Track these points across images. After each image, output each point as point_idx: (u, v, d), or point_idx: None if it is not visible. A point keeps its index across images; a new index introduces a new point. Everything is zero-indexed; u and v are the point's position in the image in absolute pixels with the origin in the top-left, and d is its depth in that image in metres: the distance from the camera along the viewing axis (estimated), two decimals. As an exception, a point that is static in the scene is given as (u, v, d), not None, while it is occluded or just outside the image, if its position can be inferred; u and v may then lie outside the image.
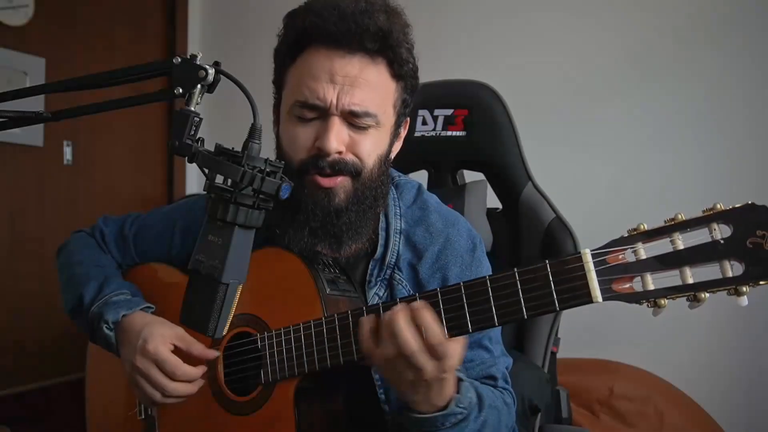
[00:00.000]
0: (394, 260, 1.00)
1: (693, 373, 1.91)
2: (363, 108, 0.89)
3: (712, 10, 1.93)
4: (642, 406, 1.79)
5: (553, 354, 1.34)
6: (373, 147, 0.93)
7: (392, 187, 1.05)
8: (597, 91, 2.07)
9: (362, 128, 0.91)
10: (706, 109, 1.94)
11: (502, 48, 2.21)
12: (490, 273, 1.02)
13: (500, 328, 1.00)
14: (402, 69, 0.92)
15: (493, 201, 1.44)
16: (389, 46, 0.89)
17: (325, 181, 0.91)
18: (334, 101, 0.88)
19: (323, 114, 0.90)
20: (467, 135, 1.41)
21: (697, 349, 1.89)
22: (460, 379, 0.84)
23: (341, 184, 0.92)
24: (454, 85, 1.45)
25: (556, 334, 1.37)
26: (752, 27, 1.89)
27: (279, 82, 0.98)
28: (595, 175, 2.07)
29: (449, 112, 1.42)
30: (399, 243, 1.01)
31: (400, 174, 1.12)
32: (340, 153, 0.90)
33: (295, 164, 0.92)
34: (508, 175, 1.39)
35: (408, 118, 1.02)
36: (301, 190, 0.91)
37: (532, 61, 2.15)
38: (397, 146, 1.03)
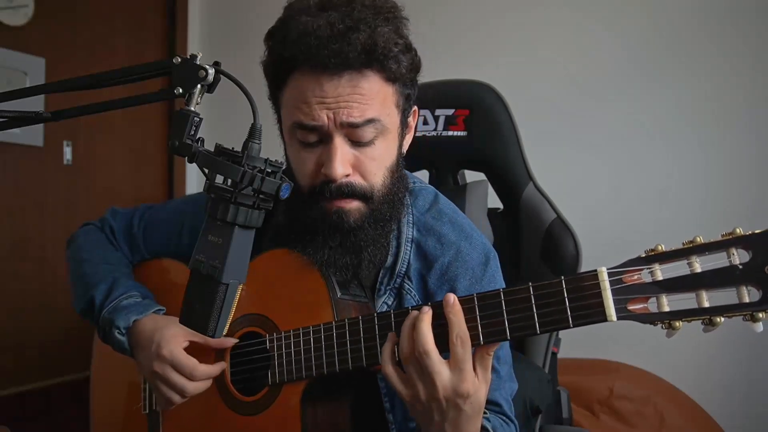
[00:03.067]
0: (404, 269, 0.98)
1: (693, 373, 1.91)
2: (363, 118, 0.86)
3: (713, 9, 1.93)
4: (642, 406, 1.79)
5: (554, 354, 1.35)
6: (380, 163, 0.91)
7: (406, 194, 1.03)
8: (598, 91, 2.07)
9: (366, 143, 0.88)
10: (708, 109, 1.94)
11: (504, 47, 2.21)
12: None
13: (509, 349, 1.00)
14: (395, 72, 0.88)
15: (494, 201, 1.44)
16: (376, 59, 0.85)
17: (337, 203, 0.90)
18: (332, 117, 0.85)
19: (324, 136, 0.88)
20: (468, 135, 1.41)
21: (697, 350, 1.89)
22: (485, 428, 0.83)
23: (354, 207, 0.90)
24: (455, 85, 1.45)
25: (557, 335, 1.37)
26: (754, 27, 1.89)
27: (275, 101, 0.96)
28: (596, 175, 2.07)
29: (450, 112, 1.42)
30: (410, 252, 0.99)
31: (416, 180, 1.09)
32: (347, 176, 0.88)
33: (305, 188, 0.91)
34: (510, 175, 1.39)
35: (415, 107, 0.99)
36: (314, 213, 0.91)
37: (534, 61, 2.15)
38: (409, 139, 1.00)
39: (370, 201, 0.91)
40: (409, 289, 0.98)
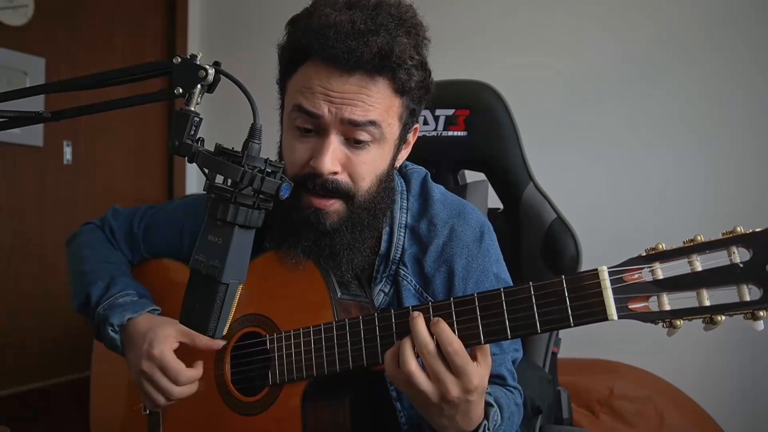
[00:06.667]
0: (398, 255, 0.98)
1: (693, 373, 1.91)
2: (365, 118, 0.86)
3: (710, 11, 1.93)
4: (642, 406, 1.79)
5: (554, 354, 1.34)
6: (370, 168, 0.90)
7: (400, 178, 1.04)
8: (596, 92, 2.07)
9: (360, 145, 0.88)
10: (706, 109, 1.95)
11: (502, 50, 2.21)
12: (500, 262, 1.02)
13: None
14: (405, 85, 0.88)
15: (495, 201, 1.44)
16: (389, 66, 0.85)
17: (317, 202, 0.89)
18: (334, 112, 0.85)
19: (321, 130, 0.87)
20: (468, 135, 1.40)
21: (697, 350, 1.89)
22: (488, 404, 0.83)
23: (334, 208, 0.90)
24: (456, 85, 1.45)
25: (557, 335, 1.36)
26: (751, 27, 1.89)
27: (282, 87, 0.96)
28: (596, 175, 2.07)
29: (450, 111, 1.41)
30: (404, 237, 0.99)
31: (407, 163, 1.09)
32: (335, 173, 0.88)
33: (289, 177, 0.90)
34: (510, 175, 1.39)
35: (417, 125, 0.99)
36: (291, 207, 0.90)
37: (533, 62, 2.15)
38: (405, 153, 1.00)
39: (351, 203, 0.91)
40: (405, 275, 0.97)
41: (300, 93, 0.87)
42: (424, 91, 0.93)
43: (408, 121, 0.95)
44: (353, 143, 0.88)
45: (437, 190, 1.04)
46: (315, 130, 0.88)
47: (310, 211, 0.90)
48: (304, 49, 0.87)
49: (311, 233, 0.91)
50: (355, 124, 0.86)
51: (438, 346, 0.77)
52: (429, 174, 1.07)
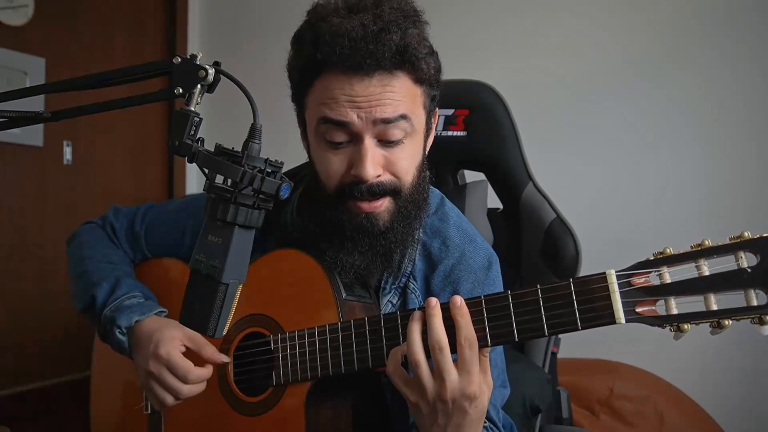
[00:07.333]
0: (409, 269, 0.99)
1: (693, 373, 1.91)
2: (396, 114, 0.86)
3: (710, 11, 1.93)
4: (642, 406, 1.79)
5: (554, 354, 1.34)
6: (410, 162, 0.91)
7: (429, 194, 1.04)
8: (596, 92, 2.07)
9: (396, 142, 0.88)
10: (706, 110, 1.95)
11: (503, 48, 2.21)
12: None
13: (502, 353, 1.00)
14: (423, 75, 0.89)
15: (494, 201, 1.44)
16: (407, 60, 0.86)
17: (366, 206, 0.89)
18: (363, 117, 0.85)
19: (354, 137, 0.87)
20: (468, 135, 1.40)
21: (697, 350, 1.89)
22: None
23: (384, 206, 0.90)
24: (455, 85, 1.44)
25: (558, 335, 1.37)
26: (751, 27, 1.89)
27: (299, 103, 0.95)
28: (595, 175, 2.07)
29: (450, 112, 1.41)
30: (416, 252, 1.00)
31: None
32: (378, 176, 0.88)
33: (332, 189, 0.91)
34: (509, 175, 1.39)
35: (437, 109, 1.00)
36: (342, 215, 0.90)
37: (533, 62, 2.15)
38: (430, 140, 1.01)
39: (399, 197, 0.91)
40: (414, 288, 0.98)
41: (324, 105, 0.87)
42: (438, 74, 0.94)
43: (431, 108, 0.95)
44: (388, 143, 0.88)
45: (453, 213, 1.05)
46: (348, 139, 0.88)
47: (362, 217, 0.90)
48: (320, 62, 0.86)
49: (366, 237, 0.91)
50: (387, 122, 0.86)
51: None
52: (444, 197, 1.08)
